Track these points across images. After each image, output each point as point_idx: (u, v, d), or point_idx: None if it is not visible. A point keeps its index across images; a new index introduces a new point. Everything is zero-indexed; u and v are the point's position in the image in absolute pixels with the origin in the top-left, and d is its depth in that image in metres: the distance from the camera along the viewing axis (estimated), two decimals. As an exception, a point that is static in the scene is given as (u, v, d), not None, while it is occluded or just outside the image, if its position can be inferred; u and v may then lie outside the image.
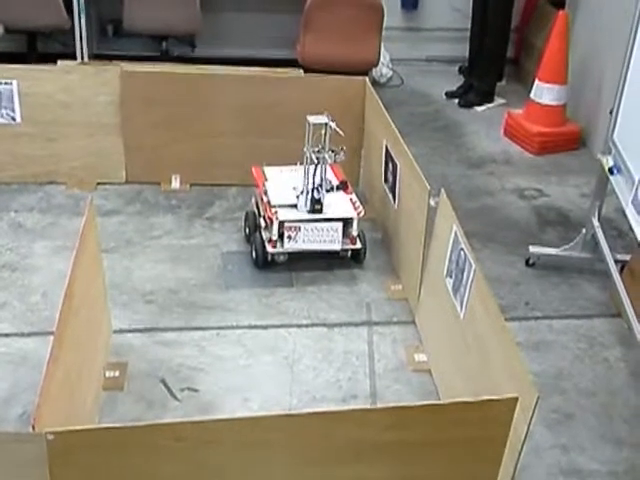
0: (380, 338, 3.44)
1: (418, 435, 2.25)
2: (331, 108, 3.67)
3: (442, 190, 3.26)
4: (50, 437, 1.99)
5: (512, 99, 5.96)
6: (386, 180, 4.00)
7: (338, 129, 3.57)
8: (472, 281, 2.84)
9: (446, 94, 6.07)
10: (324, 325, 3.50)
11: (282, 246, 3.73)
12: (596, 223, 3.89)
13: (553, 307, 3.72)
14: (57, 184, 4.40)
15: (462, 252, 2.95)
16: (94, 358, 2.96)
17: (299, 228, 3.70)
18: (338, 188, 3.89)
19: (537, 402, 2.21)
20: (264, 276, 3.78)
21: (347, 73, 4.50)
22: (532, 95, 5.37)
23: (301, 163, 3.75)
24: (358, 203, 3.83)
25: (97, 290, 3.08)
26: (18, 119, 4.28)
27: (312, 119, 3.61)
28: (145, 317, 3.46)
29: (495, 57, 5.91)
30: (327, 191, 3.78)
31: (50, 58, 4.55)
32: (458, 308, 2.97)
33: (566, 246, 4.00)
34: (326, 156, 3.65)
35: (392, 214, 3.93)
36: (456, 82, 6.17)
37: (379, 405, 2.97)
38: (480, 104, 5.94)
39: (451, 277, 3.07)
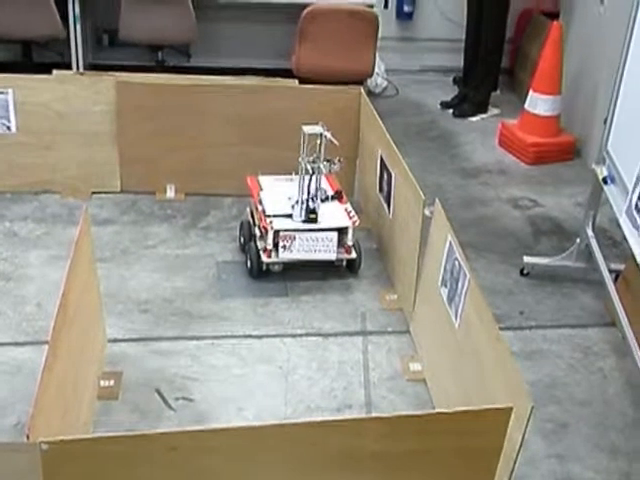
0: (375, 348, 3.44)
1: (412, 444, 2.24)
2: (326, 118, 3.68)
3: (437, 200, 3.26)
4: (44, 447, 1.99)
5: (507, 109, 5.98)
6: (381, 190, 4.01)
7: (333, 139, 3.58)
8: (467, 291, 2.85)
9: (441, 104, 6.10)
10: (319, 335, 3.50)
11: (277, 256, 3.73)
12: (590, 233, 3.90)
13: (547, 317, 3.73)
14: (52, 193, 4.40)
15: (457, 262, 2.96)
16: (89, 367, 2.96)
17: (294, 238, 3.70)
18: (333, 198, 3.91)
19: (532, 412, 2.21)
20: (259, 286, 3.79)
21: (342, 83, 4.52)
22: (526, 105, 5.39)
23: (296, 173, 3.76)
24: (353, 213, 3.84)
25: (92, 299, 3.08)
26: (13, 129, 4.28)
27: (307, 129, 3.62)
28: (140, 326, 3.46)
29: (489, 67, 5.93)
30: (322, 201, 3.79)
31: (45, 68, 4.54)
32: (453, 318, 2.97)
33: (560, 256, 4.01)
34: (321, 166, 3.65)
35: (387, 224, 3.94)
36: (451, 92, 6.20)
37: (374, 414, 2.96)
38: (475, 114, 5.96)
39: (446, 287, 3.07)
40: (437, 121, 5.88)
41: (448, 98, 6.12)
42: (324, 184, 3.88)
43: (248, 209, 4.06)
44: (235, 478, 2.20)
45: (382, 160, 3.95)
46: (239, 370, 3.25)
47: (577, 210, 4.59)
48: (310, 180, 3.69)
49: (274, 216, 3.74)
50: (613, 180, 3.55)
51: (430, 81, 6.54)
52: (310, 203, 3.71)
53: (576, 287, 3.95)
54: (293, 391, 3.16)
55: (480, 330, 2.73)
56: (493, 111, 6.03)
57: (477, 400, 2.58)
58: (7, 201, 4.32)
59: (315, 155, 3.65)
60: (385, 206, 3.94)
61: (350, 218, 3.80)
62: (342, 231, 3.78)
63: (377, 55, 5.41)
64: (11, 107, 4.23)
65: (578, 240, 3.96)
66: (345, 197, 3.95)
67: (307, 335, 3.49)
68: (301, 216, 3.72)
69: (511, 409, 2.25)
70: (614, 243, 4.22)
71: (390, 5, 6.51)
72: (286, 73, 5.12)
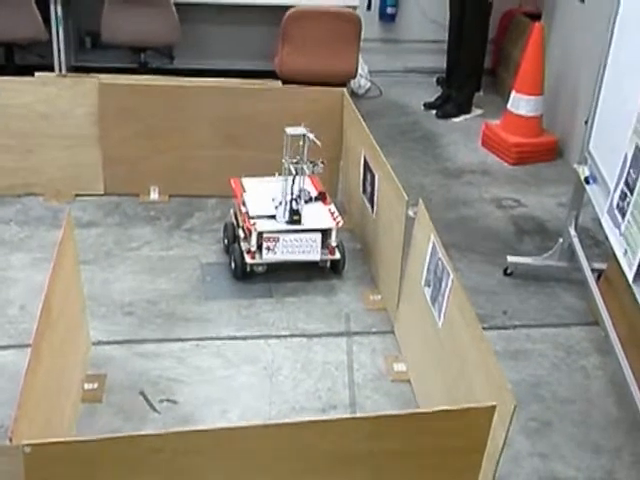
0: (359, 348, 3.45)
1: (397, 444, 2.25)
2: (309, 119, 3.68)
3: (420, 200, 3.28)
4: (27, 450, 1.98)
5: (489, 110, 6.01)
6: (364, 191, 4.02)
7: (316, 140, 3.58)
8: (450, 290, 2.86)
9: (424, 105, 6.11)
10: (303, 336, 3.50)
11: (261, 257, 3.74)
12: (573, 232, 3.93)
13: (531, 316, 3.75)
14: (35, 196, 4.38)
15: (440, 262, 2.97)
16: (72, 370, 2.95)
17: (278, 239, 3.70)
18: (317, 199, 3.91)
19: (514, 410, 2.22)
20: (243, 287, 3.79)
21: (325, 84, 4.52)
22: (509, 106, 5.42)
23: (279, 174, 3.76)
24: (337, 214, 3.84)
25: (75, 302, 3.07)
26: (-5, 131, 4.26)
27: (290, 130, 3.62)
28: (124, 329, 3.45)
29: (472, 68, 5.96)
30: (306, 202, 3.79)
31: (28, 70, 4.53)
32: (436, 317, 2.98)
33: (544, 255, 4.04)
34: (304, 167, 3.66)
35: (371, 224, 3.95)
36: (434, 93, 6.22)
37: (358, 415, 2.96)
38: (458, 115, 5.98)
39: (429, 287, 3.08)
40: (420, 122, 5.89)
41: (431, 99, 6.14)
42: (307, 185, 3.89)
43: (232, 211, 4.06)
44: (218, 479, 2.20)
45: (365, 161, 3.96)
46: (224, 371, 3.25)
47: (560, 210, 4.61)
48: (293, 181, 3.70)
49: (258, 217, 3.74)
50: (595, 180, 3.57)
51: (413, 82, 6.56)
52: (294, 204, 3.71)
53: (559, 286, 3.97)
54: (278, 392, 3.16)
55: (463, 330, 2.74)
56: (476, 112, 6.05)
57: (461, 399, 2.59)
58: (-10, 204, 4.31)
59: (298, 156, 3.65)
60: (369, 207, 3.94)
61: (334, 219, 3.80)
62: (326, 232, 3.79)
63: (360, 56, 5.42)
64: (-7, 109, 4.22)
65: (561, 240, 3.99)
66: (329, 198, 3.96)
67: (291, 336, 3.49)
68: (285, 217, 3.73)
69: (494, 408, 2.26)
70: (596, 243, 4.25)
71: (373, 7, 6.52)
72: (269, 74, 5.13)
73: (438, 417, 2.28)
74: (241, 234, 3.85)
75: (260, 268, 3.79)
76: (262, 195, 3.87)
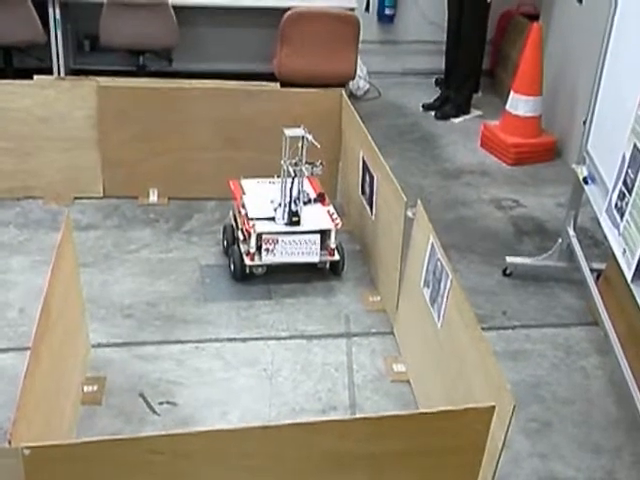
0: (359, 349, 3.45)
1: (396, 445, 2.25)
2: (308, 121, 3.69)
3: (419, 201, 3.28)
4: (26, 452, 1.98)
5: (488, 111, 6.01)
6: (363, 192, 4.02)
7: (315, 141, 3.59)
8: (449, 291, 2.86)
9: (423, 106, 6.11)
10: (303, 337, 3.50)
11: (260, 259, 3.74)
12: (572, 233, 3.93)
13: (530, 316, 3.75)
14: (34, 199, 4.38)
15: (439, 262, 2.97)
16: (72, 373, 2.95)
17: (277, 240, 3.71)
18: (315, 200, 3.91)
19: (514, 410, 2.22)
20: (242, 289, 3.79)
21: (324, 86, 4.52)
22: (508, 107, 5.42)
23: (278, 176, 3.76)
24: (336, 215, 3.85)
25: (75, 305, 3.07)
26: (-6, 134, 4.27)
27: (288, 132, 3.63)
28: (123, 331, 3.45)
29: (471, 69, 5.96)
30: (304, 203, 3.80)
31: (26, 73, 4.53)
32: (435, 318, 2.99)
33: (543, 256, 4.04)
34: (303, 169, 3.66)
35: (369, 226, 3.95)
36: (433, 94, 6.22)
37: (358, 415, 2.96)
38: (456, 116, 5.98)
39: (428, 287, 3.08)
40: (419, 123, 5.90)
41: (430, 100, 6.14)
42: (306, 187, 3.89)
43: (231, 212, 4.06)
44: (219, 481, 2.20)
45: (364, 162, 3.96)
46: (223, 373, 3.25)
47: (558, 210, 4.62)
48: (292, 183, 3.70)
49: (257, 219, 3.74)
50: (593, 180, 3.58)
51: (412, 83, 6.56)
52: (292, 206, 3.72)
53: (558, 287, 3.97)
54: (277, 394, 3.16)
55: (462, 330, 2.74)
56: (475, 112, 6.05)
57: (460, 400, 2.59)
58: (-11, 207, 4.31)
59: (297, 158, 3.65)
60: (367, 208, 3.95)
61: (333, 220, 3.80)
62: (325, 233, 3.79)
63: (359, 58, 5.42)
64: (-8, 113, 4.22)
65: (560, 240, 3.99)
66: (327, 199, 3.96)
67: (291, 338, 3.49)
68: (284, 219, 3.73)
69: (493, 408, 2.26)
70: (595, 243, 4.25)
71: (371, 8, 6.52)
72: (268, 76, 5.13)
73: (438, 418, 2.28)
74: (240, 236, 3.85)
75: (259, 270, 3.79)
76: (261, 197, 3.87)
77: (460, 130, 5.81)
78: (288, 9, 5.18)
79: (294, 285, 3.83)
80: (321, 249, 3.78)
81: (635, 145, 2.94)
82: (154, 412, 3.03)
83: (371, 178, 3.84)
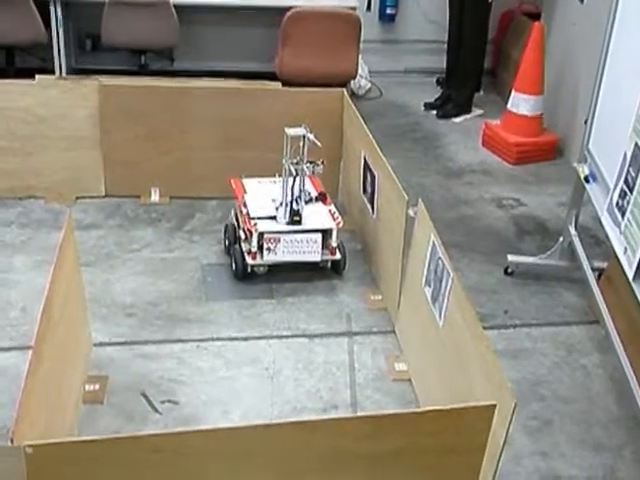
0: (360, 348, 3.45)
1: (397, 443, 2.25)
2: (309, 120, 3.69)
3: (420, 200, 3.28)
4: (29, 450, 1.99)
5: (490, 110, 6.01)
6: (365, 191, 4.02)
7: (316, 141, 3.59)
8: (450, 290, 2.86)
9: (424, 105, 6.12)
10: (304, 336, 3.51)
11: (262, 258, 3.74)
12: (573, 231, 3.93)
13: (531, 315, 3.75)
14: (36, 198, 4.39)
15: (440, 261, 2.97)
16: (74, 372, 2.96)
17: (278, 240, 3.71)
18: (317, 199, 3.92)
19: (515, 409, 2.23)
20: (244, 288, 3.79)
21: (325, 85, 4.53)
22: (509, 106, 5.42)
23: (280, 175, 3.77)
24: (337, 214, 3.85)
25: (76, 304, 3.08)
26: (-4, 134, 4.27)
27: (290, 131, 3.63)
28: (125, 330, 3.46)
29: (472, 68, 5.96)
30: (306, 202, 3.80)
31: (28, 73, 4.54)
32: (437, 317, 2.99)
33: (544, 255, 4.04)
34: (304, 168, 3.66)
35: (371, 225, 3.95)
36: (434, 93, 6.22)
37: (359, 414, 2.97)
38: (458, 115, 5.98)
39: (430, 286, 3.09)
40: (421, 122, 5.90)
41: (432, 99, 6.14)
42: (308, 186, 3.89)
43: (232, 212, 4.07)
44: (219, 479, 2.21)
45: (366, 161, 3.96)
46: (225, 372, 3.26)
47: (560, 209, 4.62)
48: (294, 182, 3.70)
49: (258, 218, 3.74)
50: (595, 179, 3.58)
51: (413, 82, 6.56)
52: (294, 205, 3.72)
53: (560, 285, 3.98)
54: (279, 392, 3.17)
55: (464, 329, 2.74)
56: (476, 111, 6.06)
57: (461, 398, 2.59)
58: (-9, 207, 4.32)
59: (298, 157, 3.66)
60: (369, 207, 3.95)
61: (334, 219, 3.81)
62: (326, 232, 3.79)
63: (360, 57, 5.43)
64: (-6, 112, 4.23)
65: (561, 239, 3.99)
66: (329, 198, 3.96)
67: (293, 336, 3.50)
68: (285, 218, 3.73)
69: (494, 406, 2.27)
70: (597, 241, 4.25)
71: (372, 7, 6.52)
72: (269, 76, 5.14)
73: (439, 416, 2.29)
74: (242, 235, 3.86)
75: (261, 269, 3.80)
76: (263, 196, 3.88)
77: (461, 129, 5.81)
78: (289, 8, 5.19)
79: (296, 284, 3.83)
80: (322, 248, 3.78)
81: (636, 144, 2.94)
82: (156, 411, 3.04)
83: (372, 177, 3.85)
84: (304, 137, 3.62)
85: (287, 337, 3.49)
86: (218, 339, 3.45)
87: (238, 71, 5.47)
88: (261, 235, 3.71)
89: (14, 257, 3.90)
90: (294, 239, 3.72)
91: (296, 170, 3.68)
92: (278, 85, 4.66)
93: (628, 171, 2.99)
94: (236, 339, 3.46)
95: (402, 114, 6.02)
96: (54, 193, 4.39)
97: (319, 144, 3.58)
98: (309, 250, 3.75)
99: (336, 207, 3.94)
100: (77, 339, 3.06)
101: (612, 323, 3.37)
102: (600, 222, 3.30)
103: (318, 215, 3.83)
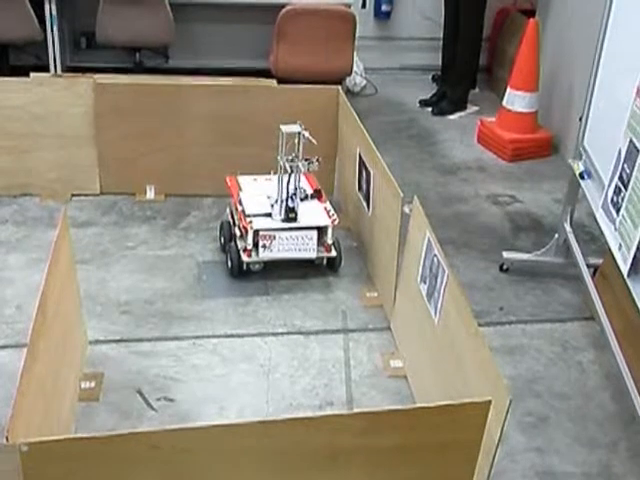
0: (356, 345, 3.46)
1: (393, 440, 2.26)
2: (304, 117, 3.68)
3: (415, 197, 3.28)
4: (24, 448, 1.99)
5: (485, 107, 6.02)
6: (360, 188, 4.03)
7: (311, 138, 3.59)
8: (445, 287, 2.87)
9: (420, 102, 6.12)
10: (300, 333, 3.51)
11: (257, 255, 3.74)
12: (568, 228, 3.94)
13: (527, 312, 3.75)
14: (31, 196, 4.39)
15: (435, 258, 2.97)
16: (69, 369, 2.95)
17: (274, 237, 3.71)
18: (312, 197, 3.91)
19: (510, 405, 2.23)
20: (240, 285, 3.79)
21: (321, 83, 4.52)
22: (504, 103, 5.42)
23: (275, 172, 3.77)
24: (332, 211, 3.85)
25: (72, 301, 3.08)
26: (-10, 132, 4.27)
27: (285, 128, 3.63)
28: (121, 328, 3.45)
29: (467, 65, 5.96)
30: (301, 200, 3.80)
31: (23, 71, 4.53)
32: (432, 314, 2.99)
33: (539, 251, 4.04)
34: (300, 165, 3.66)
35: (366, 222, 3.95)
36: (429, 90, 6.22)
37: (355, 410, 2.97)
38: (453, 112, 5.99)
39: (425, 283, 3.09)
40: (416, 119, 5.90)
41: (427, 96, 6.15)
42: (303, 183, 3.89)
43: (228, 209, 4.06)
44: (217, 476, 2.21)
45: (361, 158, 3.96)
46: (220, 369, 3.26)
47: (555, 206, 4.62)
48: (289, 179, 3.70)
49: (254, 216, 3.74)
50: (590, 175, 3.58)
51: (409, 79, 6.57)
52: (289, 202, 3.72)
53: (555, 282, 3.98)
54: (275, 389, 3.17)
55: (459, 326, 2.75)
56: (472, 108, 6.06)
57: (457, 395, 2.60)
58: (-14, 205, 4.31)
59: (294, 154, 3.66)
60: (364, 204, 3.95)
61: (329, 217, 3.81)
62: (322, 230, 3.79)
63: (355, 54, 5.43)
64: (-12, 110, 4.22)
65: (557, 235, 3.99)
66: (324, 196, 3.96)
67: (288, 333, 3.50)
68: (281, 215, 3.73)
69: (490, 403, 2.27)
70: (592, 238, 4.25)
71: (368, 4, 6.53)
72: (264, 73, 5.13)
73: (434, 412, 2.29)
74: (237, 232, 3.86)
75: (256, 266, 3.80)
76: (258, 193, 3.88)
77: (457, 126, 5.81)
78: (285, 5, 5.18)
79: (291, 281, 3.83)
80: (318, 245, 3.78)
81: (631, 140, 2.95)
82: (152, 408, 3.04)
83: (368, 174, 3.85)
84: (299, 134, 3.62)
85: (282, 334, 3.49)
86: (214, 336, 3.45)
87: (233, 68, 5.49)
88: (256, 232, 3.71)
89: (9, 255, 3.89)
90: (289, 236, 3.72)
91: (291, 167, 3.68)
92: (273, 82, 4.66)
93: (623, 167, 3.00)
94: (232, 336, 3.46)
95: (397, 111, 6.02)
96: (49, 191, 4.39)
97: (314, 141, 3.58)
98: (304, 247, 3.75)
99: (331, 204, 3.94)
100: (72, 337, 3.06)
101: (607, 319, 3.37)
102: (595, 219, 3.31)
103: (313, 212, 3.83)
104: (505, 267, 4.04)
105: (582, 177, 3.63)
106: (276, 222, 3.73)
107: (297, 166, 3.67)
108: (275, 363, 3.31)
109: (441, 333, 2.92)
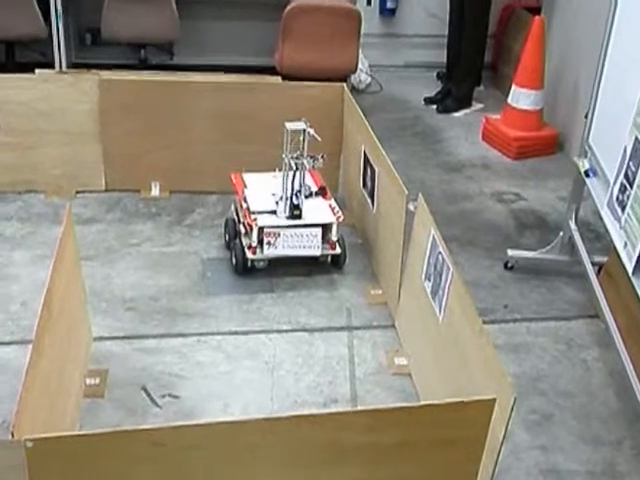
0: (360, 342, 3.46)
1: (397, 437, 2.26)
2: (309, 114, 3.69)
3: (420, 195, 3.28)
4: (29, 444, 1.99)
5: (490, 104, 6.01)
6: (365, 185, 4.02)
7: (316, 135, 3.59)
8: (450, 284, 2.86)
9: (424, 100, 6.11)
10: (304, 330, 3.51)
11: (262, 252, 3.74)
12: (573, 226, 3.93)
13: (532, 309, 3.75)
14: (36, 193, 4.39)
15: (440, 255, 2.97)
16: (74, 366, 2.96)
17: (278, 234, 3.71)
18: (317, 194, 3.92)
19: (514, 403, 2.23)
20: (244, 282, 3.79)
21: (326, 80, 4.52)
22: (509, 100, 5.42)
23: (280, 169, 3.77)
24: (337, 209, 3.85)
25: (76, 298, 3.08)
26: (-4, 128, 4.27)
27: (290, 125, 3.63)
28: (125, 324, 3.46)
29: (472, 63, 5.95)
30: (306, 197, 3.80)
31: (28, 67, 4.54)
32: (437, 311, 2.99)
33: (544, 249, 4.04)
34: (305, 162, 3.66)
35: (371, 219, 3.95)
36: (434, 88, 6.21)
37: (359, 408, 2.97)
38: (458, 109, 5.98)
39: (430, 281, 3.09)
40: (421, 116, 5.89)
41: (432, 94, 6.14)
42: (308, 180, 3.89)
43: (233, 206, 4.07)
44: (221, 473, 2.21)
45: (366, 156, 3.96)
46: (225, 366, 3.26)
47: (560, 203, 4.61)
48: (294, 176, 3.70)
49: (258, 213, 3.74)
50: (595, 173, 3.58)
51: (414, 77, 6.56)
52: (294, 199, 3.72)
53: (560, 280, 3.97)
54: (279, 386, 3.17)
55: (464, 323, 2.75)
56: (477, 106, 6.05)
57: (461, 392, 2.59)
58: (-9, 201, 4.32)
59: (299, 151, 3.66)
60: (369, 201, 3.95)
61: (334, 214, 3.81)
62: (326, 227, 3.79)
63: (360, 51, 5.42)
64: (-6, 107, 4.23)
65: (561, 233, 3.99)
66: (329, 193, 3.96)
67: (293, 331, 3.50)
68: (285, 212, 3.73)
69: (494, 400, 2.27)
70: (597, 236, 4.25)
71: (373, 1, 6.52)
72: (270, 70, 5.13)
73: (438, 410, 2.29)
74: (242, 229, 3.86)
75: (261, 263, 3.80)
76: (263, 190, 3.88)
77: (462, 123, 5.81)
78: (290, 2, 5.18)
79: (296, 278, 3.84)
80: (323, 242, 3.78)
81: (637, 138, 2.94)
82: (156, 405, 3.04)
83: (372, 172, 3.85)
84: (304, 131, 3.62)
85: (287, 331, 3.49)
86: (218, 333, 3.45)
87: (238, 65, 5.49)
88: (261, 229, 3.71)
89: (14, 251, 3.90)
90: (294, 233, 3.72)
91: (296, 164, 3.68)
92: (278, 79, 4.66)
93: (628, 165, 2.99)
94: (236, 333, 3.46)
95: (402, 108, 6.02)
96: (54, 187, 4.39)
97: (319, 138, 3.58)
98: (309, 244, 3.75)
99: (336, 201, 3.94)
100: (77, 333, 3.07)
101: (612, 317, 3.37)
102: (600, 216, 3.30)
103: (318, 209, 3.83)
104: (510, 265, 4.03)
105: (587, 175, 3.62)
106: (281, 219, 3.73)
107: (302, 163, 3.67)
108: (279, 360, 3.31)
109: (445, 331, 2.92)
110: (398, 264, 3.47)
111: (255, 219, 3.71)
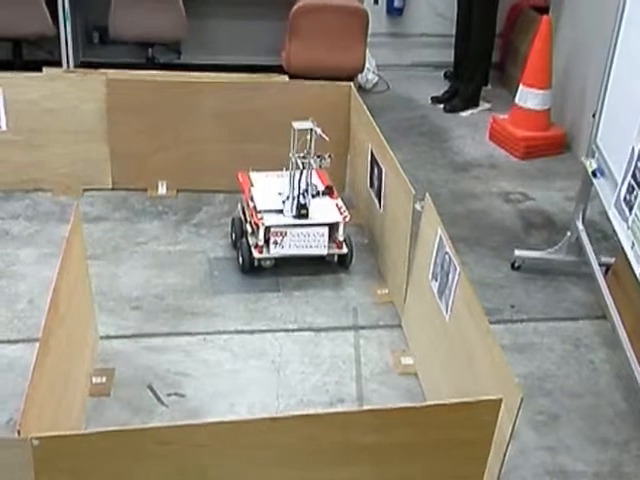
0: (367, 342, 3.45)
1: (403, 437, 2.25)
2: (316, 114, 3.68)
3: (427, 194, 3.27)
4: (35, 442, 1.99)
5: (497, 104, 6.00)
6: (372, 185, 4.02)
7: (323, 134, 3.58)
8: (457, 284, 2.86)
9: (432, 99, 6.11)
10: (311, 330, 3.51)
11: (268, 251, 3.74)
12: (580, 226, 3.92)
13: (539, 310, 3.74)
14: (43, 191, 4.40)
15: (447, 255, 2.97)
16: (81, 364, 2.96)
17: (285, 233, 3.71)
18: (324, 193, 3.91)
19: (521, 403, 2.22)
20: (251, 281, 3.79)
21: (333, 79, 4.51)
22: (517, 100, 5.41)
23: (287, 169, 3.77)
24: (344, 208, 3.85)
25: (83, 296, 3.08)
26: (3, 127, 4.28)
27: (297, 125, 3.62)
28: (132, 323, 3.46)
29: (480, 62, 5.94)
30: (313, 196, 3.79)
31: (35, 66, 4.55)
32: (443, 311, 2.99)
33: (551, 249, 4.03)
34: (311, 161, 3.66)
35: (378, 219, 3.95)
36: (441, 87, 6.21)
37: (365, 407, 2.97)
38: (465, 109, 5.97)
39: (436, 280, 3.08)
40: (428, 116, 5.89)
41: (439, 93, 6.13)
42: (315, 179, 3.89)
43: (239, 205, 4.07)
44: (226, 472, 2.21)
45: (373, 155, 3.96)
46: (231, 365, 3.26)
47: (567, 203, 4.60)
48: (301, 176, 3.70)
49: (265, 212, 3.74)
50: (602, 173, 3.57)
51: (421, 76, 6.55)
52: (301, 199, 3.72)
53: (567, 280, 3.97)
54: (285, 386, 3.17)
55: (470, 323, 2.74)
56: (484, 106, 6.04)
57: (468, 392, 2.59)
58: (-2, 199, 4.32)
59: (305, 151, 3.65)
60: (376, 201, 3.95)
61: (341, 213, 3.81)
62: (333, 226, 3.79)
63: (368, 51, 5.42)
64: (1, 105, 4.23)
65: (569, 233, 3.98)
66: (336, 192, 3.96)
67: (299, 330, 3.50)
68: (292, 212, 3.73)
69: (501, 400, 2.27)
70: (604, 236, 4.23)
71: (380, 1, 6.51)
72: (277, 69, 5.13)
73: (445, 410, 2.29)
74: (249, 229, 3.86)
75: (268, 262, 3.80)
76: (269, 189, 3.88)
77: (469, 123, 5.80)
78: (297, 1, 5.18)
79: (302, 278, 3.83)
80: (329, 242, 3.78)
81: (644, 138, 2.93)
82: (162, 404, 3.04)
83: (379, 171, 3.84)
84: (311, 130, 3.62)
85: (293, 330, 3.49)
86: (224, 332, 3.45)
87: (245, 64, 5.48)
88: (268, 229, 3.70)
89: (21, 250, 3.90)
90: (301, 233, 3.72)
91: (303, 164, 3.67)
92: (285, 78, 4.65)
93: (636, 166, 2.98)
94: (242, 332, 3.46)
95: (409, 108, 6.01)
96: (61, 186, 4.40)
97: (326, 138, 3.57)
98: (316, 244, 3.75)
99: (343, 201, 3.94)
100: (84, 332, 3.07)
101: (619, 318, 3.36)
102: (607, 217, 3.29)
103: (325, 209, 3.82)
104: (517, 265, 4.02)
105: (595, 175, 3.61)
106: (287, 218, 3.73)
107: (309, 162, 3.67)
108: (286, 359, 3.31)
109: (452, 331, 2.92)
110: (405, 264, 3.46)
111: (262, 218, 3.71)
